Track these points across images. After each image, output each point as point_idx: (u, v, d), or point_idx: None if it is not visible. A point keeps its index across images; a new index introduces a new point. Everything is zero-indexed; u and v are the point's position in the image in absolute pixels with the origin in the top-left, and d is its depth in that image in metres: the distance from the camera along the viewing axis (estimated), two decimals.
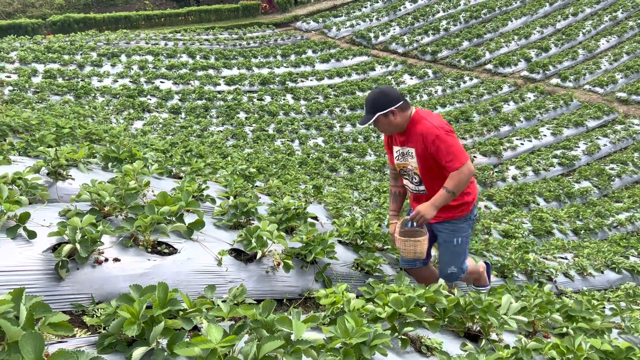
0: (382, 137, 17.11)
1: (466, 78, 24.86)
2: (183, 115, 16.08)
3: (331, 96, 21.36)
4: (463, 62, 26.77)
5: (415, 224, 3.49)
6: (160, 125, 13.79)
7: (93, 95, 15.59)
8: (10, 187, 3.05)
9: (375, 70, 25.16)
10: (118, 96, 16.08)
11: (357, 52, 27.10)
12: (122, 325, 1.91)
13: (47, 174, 3.74)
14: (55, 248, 2.60)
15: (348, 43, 29.43)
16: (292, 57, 25.64)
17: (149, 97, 16.77)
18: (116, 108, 14.58)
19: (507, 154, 17.06)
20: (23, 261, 2.46)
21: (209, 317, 2.18)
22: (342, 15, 33.33)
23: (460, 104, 21.86)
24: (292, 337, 1.90)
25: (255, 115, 17.63)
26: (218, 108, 17.48)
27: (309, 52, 26.64)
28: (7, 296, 1.72)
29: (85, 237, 2.50)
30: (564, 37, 28.15)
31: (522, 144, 17.87)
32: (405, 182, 3.78)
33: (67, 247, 2.42)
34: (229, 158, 8.29)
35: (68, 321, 1.86)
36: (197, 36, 26.70)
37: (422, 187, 3.63)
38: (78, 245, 2.44)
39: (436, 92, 23.18)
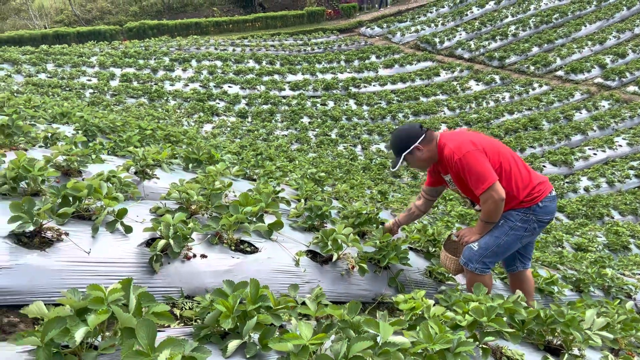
0: None
1: (535, 85, 24.03)
2: (250, 119, 16.50)
3: (394, 102, 21.26)
4: (532, 68, 25.91)
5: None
6: (229, 129, 14.21)
7: (165, 98, 16.29)
8: (106, 184, 3.27)
9: (440, 75, 24.82)
10: (189, 100, 16.71)
11: (421, 58, 26.83)
12: (217, 318, 2.01)
13: (135, 173, 3.98)
14: (148, 243, 2.77)
15: (412, 48, 29.19)
16: (356, 63, 25.73)
17: (217, 101, 17.32)
18: (187, 111, 15.16)
19: (578, 164, 16.37)
20: (121, 254, 2.63)
21: (293, 315, 2.26)
22: (406, 21, 33.11)
23: (529, 112, 21.17)
24: (378, 339, 1.94)
25: (319, 120, 17.82)
26: (283, 112, 17.80)
27: (373, 58, 26.64)
28: (118, 285, 1.86)
29: (177, 233, 2.65)
30: None
31: (594, 154, 17.09)
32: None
33: (161, 242, 2.57)
34: (296, 162, 8.43)
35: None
36: (263, 42, 27.30)
37: (478, 207, 3.51)
38: (171, 241, 2.59)
39: (503, 98, 22.58)
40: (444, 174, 3.51)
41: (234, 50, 24.79)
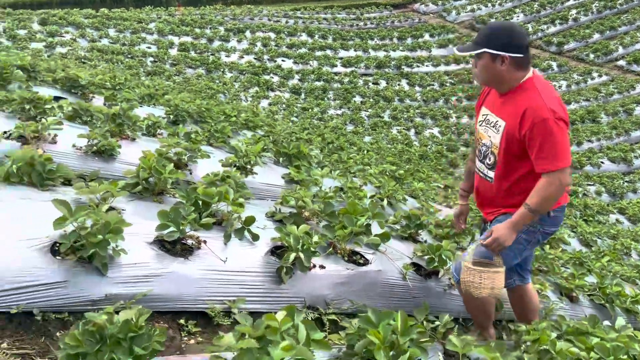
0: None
1: (594, 74, 23.18)
2: (303, 96, 16.52)
3: (447, 84, 20.88)
4: (592, 56, 24.97)
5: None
6: (284, 106, 14.27)
7: (222, 70, 16.43)
8: (219, 183, 3.36)
9: None
10: (244, 73, 16.81)
11: None
12: (366, 346, 2.09)
13: (237, 168, 4.06)
14: (272, 251, 2.86)
15: (467, 28, 28.41)
16: (409, 41, 25.27)
17: (271, 75, 17.38)
18: (243, 85, 15.27)
19: (638, 162, 15.82)
20: (251, 262, 2.73)
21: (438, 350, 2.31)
22: None
23: (587, 103, 20.49)
24: None
25: (371, 100, 17.69)
26: (335, 90, 17.74)
27: (426, 36, 26.09)
28: (283, 312, 1.94)
29: (305, 247, 2.72)
30: None
31: None
32: (476, 156, 2.94)
33: (292, 255, 2.65)
34: (364, 151, 8.44)
35: None
36: (315, 15, 27.07)
37: (491, 173, 2.79)
38: (301, 254, 2.67)
39: (560, 87, 21.88)
40: (489, 109, 2.79)
41: (287, 22, 24.67)
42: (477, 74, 2.69)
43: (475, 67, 2.68)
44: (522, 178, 2.67)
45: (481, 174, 2.89)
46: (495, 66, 2.57)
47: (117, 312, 1.75)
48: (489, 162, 2.79)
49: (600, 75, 23.17)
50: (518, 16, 29.08)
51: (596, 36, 26.65)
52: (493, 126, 2.73)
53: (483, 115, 2.83)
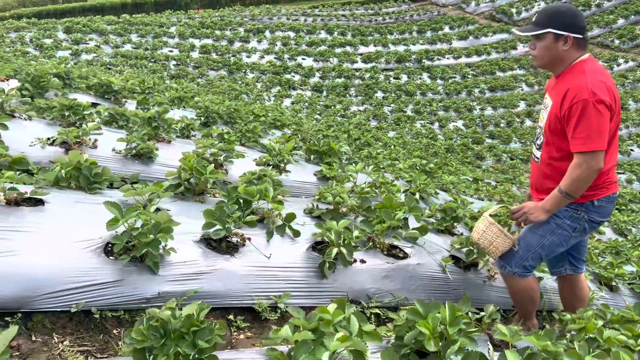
0: (528, 122, 15.81)
1: (620, 60, 22.71)
2: (325, 93, 16.54)
3: (469, 76, 20.66)
4: (617, 42, 24.47)
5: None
6: (307, 104, 14.31)
7: (244, 71, 16.56)
8: (256, 181, 3.41)
9: (517, 49, 23.84)
10: (265, 73, 16.91)
11: (497, 29, 25.82)
12: (416, 337, 2.11)
13: (271, 167, 4.12)
14: (313, 247, 2.90)
15: (487, 19, 28.10)
16: (429, 34, 25.08)
17: (292, 74, 17.44)
18: (265, 85, 15.37)
19: None
20: (293, 258, 2.78)
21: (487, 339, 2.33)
22: None
23: None
24: None
25: (393, 95, 17.62)
26: (357, 87, 17.72)
27: (446, 29, 25.87)
28: (334, 305, 1.98)
29: (346, 242, 2.75)
30: None
31: None
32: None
33: (334, 250, 2.69)
34: (391, 147, 8.44)
35: None
36: (334, 12, 27.06)
37: (538, 154, 2.85)
38: (344, 249, 2.70)
39: None
40: (547, 92, 2.81)
41: (305, 20, 24.71)
42: (537, 56, 2.71)
43: (534, 49, 2.70)
44: (563, 160, 2.66)
45: (533, 156, 2.96)
46: (557, 46, 2.61)
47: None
48: (539, 143, 2.85)
49: (626, 61, 22.69)
50: (539, 4, 28.58)
51: (621, 21, 26.09)
52: (545, 107, 2.77)
53: (544, 99, 2.86)
